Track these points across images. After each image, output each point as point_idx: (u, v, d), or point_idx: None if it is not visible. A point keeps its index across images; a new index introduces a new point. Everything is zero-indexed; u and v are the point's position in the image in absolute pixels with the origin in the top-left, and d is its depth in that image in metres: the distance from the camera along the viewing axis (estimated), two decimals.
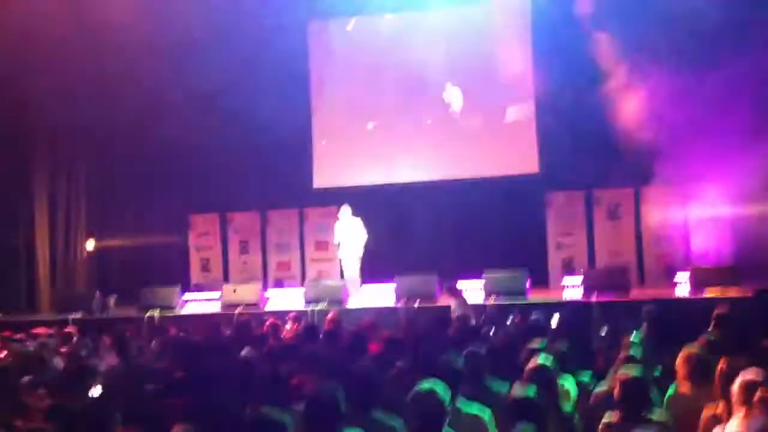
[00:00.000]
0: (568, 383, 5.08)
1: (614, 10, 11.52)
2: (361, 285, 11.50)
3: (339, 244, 11.79)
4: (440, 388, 3.82)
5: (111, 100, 12.99)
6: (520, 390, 3.73)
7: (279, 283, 13.37)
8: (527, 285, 10.53)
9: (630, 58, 11.54)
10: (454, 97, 13.10)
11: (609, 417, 3.95)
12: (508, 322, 7.43)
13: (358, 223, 11.66)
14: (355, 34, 13.44)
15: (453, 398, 4.03)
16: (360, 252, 11.66)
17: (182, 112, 12.83)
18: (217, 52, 12.62)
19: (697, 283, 9.95)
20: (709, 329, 6.64)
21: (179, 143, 13.31)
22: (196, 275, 13.90)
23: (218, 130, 12.97)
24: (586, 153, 11.75)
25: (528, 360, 4.72)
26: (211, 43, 12.60)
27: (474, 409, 4.28)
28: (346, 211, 11.70)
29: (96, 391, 4.60)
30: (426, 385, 3.86)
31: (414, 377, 5.10)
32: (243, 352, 6.24)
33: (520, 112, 12.84)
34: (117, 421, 4.18)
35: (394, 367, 5.46)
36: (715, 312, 6.98)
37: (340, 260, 11.93)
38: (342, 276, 12.03)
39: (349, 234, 11.67)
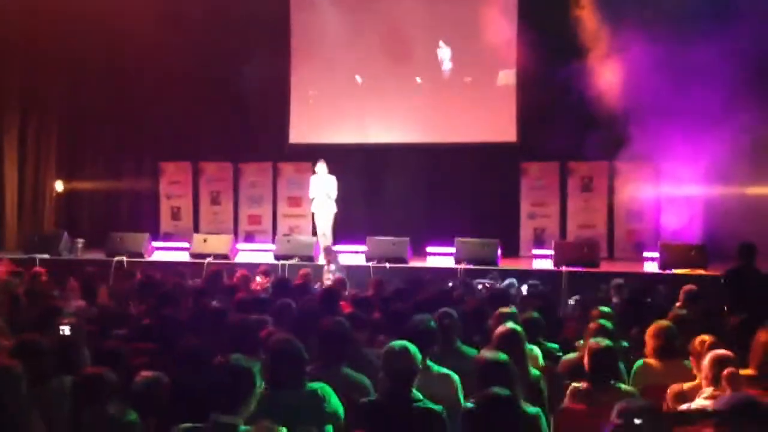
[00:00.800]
0: (535, 350, 5.14)
1: None
2: (332, 242, 11.44)
3: (313, 199, 11.67)
4: (412, 348, 3.82)
5: (85, 42, 12.74)
6: (490, 354, 3.75)
7: (250, 237, 13.30)
8: (498, 253, 10.58)
9: (610, 32, 11.53)
10: (445, 56, 12.93)
11: (578, 384, 3.99)
12: (479, 287, 7.46)
13: (332, 180, 11.56)
14: None
15: (423, 359, 4.03)
16: (333, 209, 11.57)
17: (158, 58, 12.64)
18: (196, 3, 12.37)
19: (665, 260, 10.07)
20: (677, 305, 6.77)
21: (154, 89, 13.14)
22: (165, 223, 13.77)
23: (195, 78, 12.78)
24: (563, 125, 11.78)
25: (496, 325, 4.74)
26: None
27: (443, 370, 4.30)
28: (321, 166, 11.58)
29: (65, 330, 4.54)
30: (398, 343, 3.86)
31: (384, 336, 5.15)
32: (213, 302, 6.20)
33: (501, 80, 12.75)
34: (86, 360, 4.14)
35: (364, 325, 5.48)
36: (683, 288, 7.10)
37: (313, 215, 11.82)
38: (314, 232, 11.97)
39: (323, 190, 11.54)
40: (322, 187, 11.54)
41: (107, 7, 12.05)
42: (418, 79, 12.95)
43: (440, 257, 11.42)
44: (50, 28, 12.60)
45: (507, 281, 7.71)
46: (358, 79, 13.02)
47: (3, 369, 3.52)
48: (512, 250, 12.09)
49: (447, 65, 12.88)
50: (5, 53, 12.86)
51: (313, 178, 11.72)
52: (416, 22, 12.74)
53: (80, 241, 11.68)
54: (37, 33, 12.66)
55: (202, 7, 12.43)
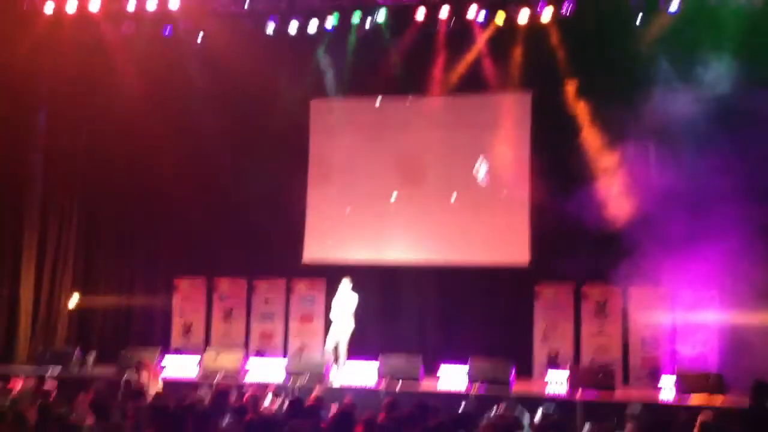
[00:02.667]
0: None
1: (605, 102, 11.77)
2: (345, 360, 11.34)
3: (334, 318, 11.66)
4: None
5: (104, 160, 13.14)
6: None
7: (260, 353, 13.21)
8: (512, 374, 10.44)
9: (623, 157, 11.78)
10: (482, 171, 13.15)
11: None
12: (492, 413, 7.34)
13: (354, 298, 11.59)
14: (356, 114, 13.62)
15: None
16: (351, 326, 11.54)
17: (177, 175, 12.99)
18: (218, 117, 12.85)
19: (682, 388, 9.90)
20: None
21: (171, 206, 13.41)
22: (177, 339, 13.72)
23: (212, 195, 13.07)
24: (577, 247, 11.87)
25: None
26: (212, 107, 12.83)
27: None
28: (346, 284, 11.63)
29: None
30: None
31: None
32: (224, 423, 6.12)
33: (514, 204, 12.94)
34: None
35: None
36: (699, 419, 6.94)
37: (330, 332, 11.74)
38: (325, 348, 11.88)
39: (344, 308, 11.57)
40: (344, 304, 11.57)
41: (128, 124, 12.50)
42: (452, 198, 13.07)
43: (453, 376, 11.25)
44: (68, 144, 13.01)
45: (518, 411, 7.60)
46: (393, 197, 13.19)
47: None
48: (526, 371, 11.93)
49: (483, 178, 13.08)
50: (24, 167, 13.21)
51: (336, 297, 11.76)
52: (430, 146, 13.10)
53: (92, 356, 11.63)
54: (55, 150, 13.07)
55: (220, 126, 12.87)
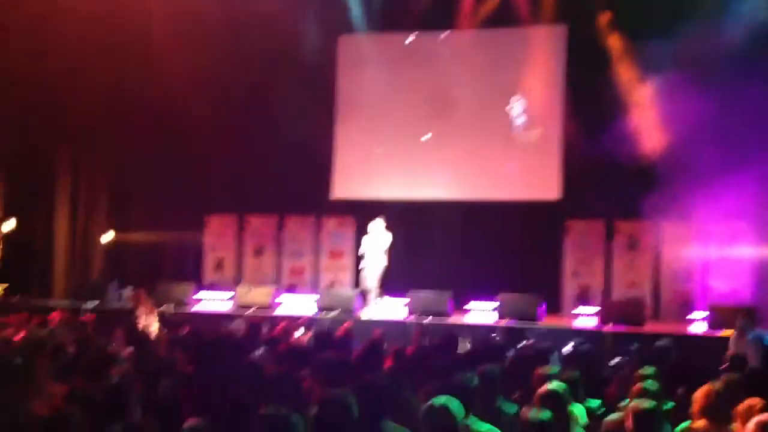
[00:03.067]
0: (577, 410, 5.06)
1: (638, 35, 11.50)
2: (380, 297, 11.44)
3: (363, 255, 11.72)
4: (454, 405, 3.81)
5: (137, 99, 13.14)
6: (534, 413, 3.72)
7: (291, 288, 13.40)
8: (541, 310, 10.48)
9: (656, 88, 11.55)
10: (516, 110, 13.02)
11: None
12: (519, 346, 7.39)
13: (387, 236, 11.65)
14: (385, 50, 13.44)
15: (465, 415, 4.01)
16: (384, 263, 11.63)
17: (207, 114, 12.97)
18: (247, 56, 12.73)
19: (714, 322, 9.87)
20: (723, 368, 6.62)
21: (203, 144, 13.44)
22: (209, 274, 13.95)
23: (241, 133, 13.06)
24: (608, 183, 11.75)
25: (539, 385, 4.70)
26: (241, 46, 12.71)
27: (486, 427, 4.26)
28: (379, 223, 11.67)
29: (116, 379, 4.62)
30: (439, 400, 3.85)
31: (425, 393, 5.12)
32: (257, 353, 6.25)
33: (537, 138, 12.79)
34: (136, 411, 4.20)
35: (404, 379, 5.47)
36: (729, 351, 6.96)
37: (362, 270, 11.83)
38: (358, 285, 12.01)
39: (377, 246, 11.64)
40: (377, 242, 11.64)
41: (160, 63, 12.45)
42: (435, 136, 13.06)
43: (481, 312, 11.34)
44: (102, 83, 13.02)
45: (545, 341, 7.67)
46: (426, 136, 13.10)
47: (63, 416, 3.59)
48: (555, 307, 11.97)
49: (519, 120, 12.95)
50: (59, 108, 13.32)
51: (366, 236, 11.81)
52: (460, 81, 12.92)
53: (127, 290, 11.89)
54: (88, 88, 13.09)
55: (248, 65, 12.76)
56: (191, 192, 14.01)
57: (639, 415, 3.92)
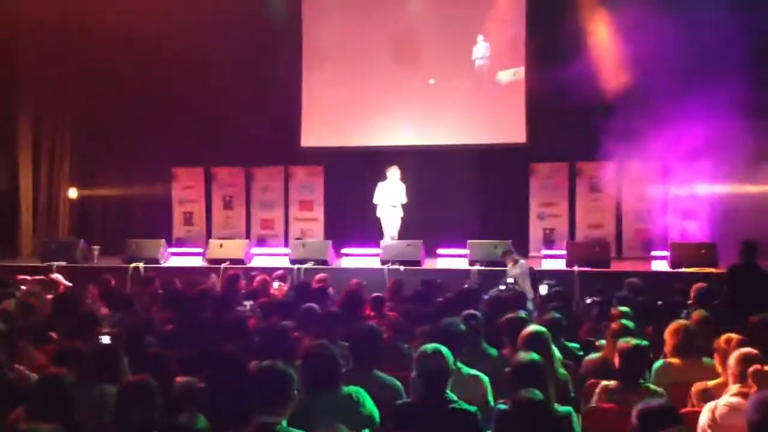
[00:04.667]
0: (556, 351, 5.26)
1: None
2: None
3: (378, 204, 11.67)
4: (445, 350, 3.95)
5: (98, 47, 12.84)
6: (524, 355, 3.88)
7: (262, 241, 13.43)
8: None
9: (617, 30, 11.65)
10: (479, 53, 12.96)
11: (607, 383, 4.12)
12: (496, 290, 7.58)
13: (401, 187, 11.65)
14: None
15: (454, 361, 4.15)
16: (401, 213, 11.65)
17: (170, 64, 12.76)
18: (210, 8, 12.48)
19: (675, 259, 10.18)
20: (689, 303, 6.91)
21: (166, 95, 13.25)
22: (178, 229, 13.90)
23: (205, 83, 12.85)
24: (572, 124, 11.94)
25: (513, 328, 4.87)
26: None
27: (474, 371, 4.43)
28: (394, 172, 11.65)
29: (105, 338, 4.66)
30: (431, 346, 3.98)
31: (414, 339, 5.27)
32: (246, 306, 6.32)
33: (510, 80, 12.87)
34: (126, 368, 4.26)
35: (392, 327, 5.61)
36: (694, 287, 7.23)
37: (380, 219, 11.76)
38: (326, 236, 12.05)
39: (392, 195, 11.62)
40: (392, 193, 11.62)
41: (124, 14, 12.16)
42: (431, 81, 13.06)
43: (452, 259, 11.53)
44: (63, 34, 12.70)
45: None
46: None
47: (55, 377, 3.63)
48: (522, 250, 12.19)
49: (481, 62, 12.93)
50: (19, 57, 12.98)
51: (381, 184, 11.72)
52: (425, 25, 12.87)
53: (96, 248, 11.80)
54: (50, 38, 12.76)
55: (213, 14, 12.52)
56: (157, 145, 13.84)
57: (627, 352, 4.11)
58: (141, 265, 10.92)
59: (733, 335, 4.36)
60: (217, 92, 12.78)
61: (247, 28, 12.86)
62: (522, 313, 5.49)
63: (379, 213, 11.70)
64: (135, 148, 13.99)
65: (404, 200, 11.67)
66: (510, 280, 8.42)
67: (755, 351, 3.96)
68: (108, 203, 14.06)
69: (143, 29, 12.29)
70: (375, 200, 11.68)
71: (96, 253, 11.80)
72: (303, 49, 13.42)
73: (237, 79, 12.75)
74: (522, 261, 9.65)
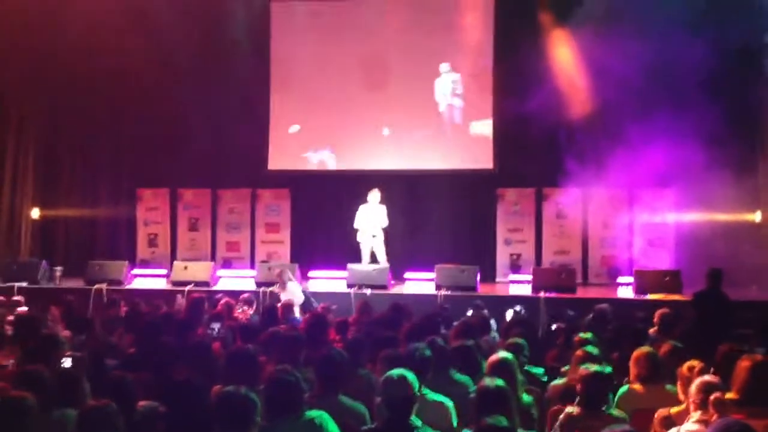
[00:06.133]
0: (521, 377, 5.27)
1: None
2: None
3: (359, 230, 11.59)
4: (410, 376, 3.93)
5: (64, 66, 12.73)
6: (490, 381, 3.87)
7: (227, 264, 13.30)
8: (477, 279, 10.74)
9: (583, 59, 11.82)
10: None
11: (571, 410, 4.12)
12: (464, 317, 7.59)
13: (384, 209, 11.59)
14: (318, 16, 13.33)
15: (419, 386, 4.13)
16: (382, 236, 11.56)
17: (137, 84, 12.69)
18: (177, 25, 12.43)
19: (640, 286, 10.30)
20: (653, 330, 6.97)
21: (131, 115, 13.17)
22: (142, 250, 13.71)
23: (174, 104, 12.79)
24: (539, 150, 12.08)
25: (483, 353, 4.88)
26: (171, 16, 12.40)
27: (438, 397, 4.41)
28: (374, 196, 11.60)
29: (67, 361, 4.57)
30: (397, 371, 3.96)
31: (379, 364, 5.23)
32: (214, 328, 6.24)
33: (478, 110, 12.98)
34: (87, 392, 4.17)
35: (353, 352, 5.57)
36: (657, 313, 7.32)
37: (359, 244, 11.66)
38: (292, 259, 11.99)
39: (372, 219, 11.54)
40: (373, 217, 11.54)
41: (88, 32, 12.06)
42: (386, 131, 13.10)
43: (419, 283, 11.53)
44: (29, 51, 12.56)
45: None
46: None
47: (16, 400, 3.55)
48: (489, 275, 12.27)
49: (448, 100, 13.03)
50: None
51: (362, 207, 11.64)
52: (395, 50, 12.96)
53: (59, 269, 11.60)
54: (12, 59, 12.61)
55: (182, 32, 12.46)
56: (122, 165, 13.71)
57: (588, 379, 4.12)
58: (104, 286, 10.76)
59: (696, 362, 4.40)
60: (184, 113, 12.73)
61: (214, 49, 12.84)
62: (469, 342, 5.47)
63: (359, 238, 11.63)
64: (99, 168, 13.84)
65: (385, 223, 11.59)
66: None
67: (716, 379, 4.00)
68: (71, 224, 13.81)
69: (108, 49, 12.23)
70: (356, 225, 11.61)
71: (58, 274, 11.59)
72: (271, 71, 13.40)
73: (204, 101, 12.69)
74: (291, 283, 9.83)
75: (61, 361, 4.63)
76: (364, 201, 12.03)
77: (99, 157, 13.74)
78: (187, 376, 4.73)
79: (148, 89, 12.66)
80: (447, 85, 12.98)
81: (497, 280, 12.48)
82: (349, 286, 10.72)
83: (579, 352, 4.98)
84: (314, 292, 10.61)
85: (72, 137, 13.58)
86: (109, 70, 12.57)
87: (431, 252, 11.96)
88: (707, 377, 4.00)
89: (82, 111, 13.22)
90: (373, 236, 11.55)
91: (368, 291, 10.39)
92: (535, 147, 12.20)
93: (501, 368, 4.33)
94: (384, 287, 10.68)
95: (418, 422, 3.84)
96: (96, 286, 10.73)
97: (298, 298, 9.51)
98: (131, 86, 12.77)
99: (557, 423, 4.17)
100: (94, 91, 13.03)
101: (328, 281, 11.67)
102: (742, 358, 4.09)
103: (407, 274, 11.93)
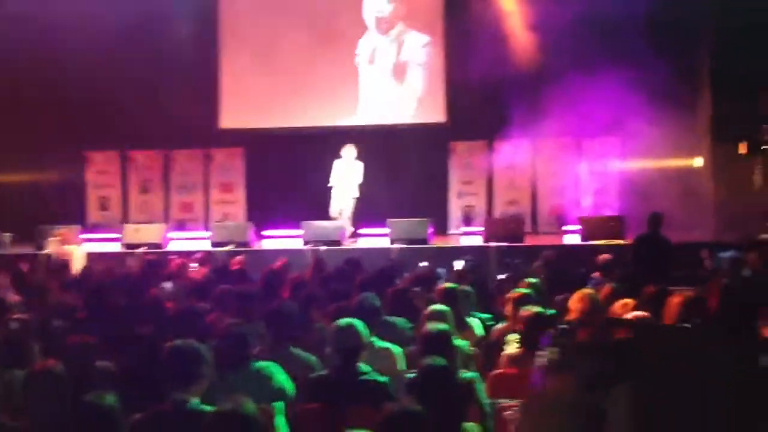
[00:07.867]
0: (473, 323, 5.46)
1: None
2: (354, 227, 11.36)
3: (333, 186, 11.45)
4: (359, 324, 4.05)
5: (4, 26, 12.35)
6: (431, 325, 4.01)
7: (181, 225, 13.22)
8: (430, 232, 10.89)
9: (535, 8, 11.92)
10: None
11: (511, 350, 4.29)
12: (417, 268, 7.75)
13: (360, 166, 11.47)
14: None
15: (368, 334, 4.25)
16: (355, 194, 11.42)
17: (81, 42, 12.37)
18: None
19: (586, 233, 10.56)
20: (595, 274, 7.23)
21: (78, 76, 12.86)
22: (93, 214, 13.55)
23: (122, 64, 12.55)
24: (489, 102, 12.18)
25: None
26: None
27: (386, 343, 4.55)
28: (349, 151, 11.47)
29: (14, 323, 4.59)
30: (345, 320, 4.07)
31: (330, 314, 5.35)
32: (165, 288, 6.28)
33: (430, 63, 13.01)
34: (36, 354, 4.21)
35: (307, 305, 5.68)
36: (599, 258, 7.60)
37: (331, 200, 11.56)
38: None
39: (347, 175, 11.41)
40: (347, 173, 11.41)
41: None
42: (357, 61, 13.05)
43: (373, 238, 11.65)
44: None
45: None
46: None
47: None
48: (442, 228, 12.43)
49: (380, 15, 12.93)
50: None
51: (336, 163, 11.47)
52: (346, 6, 12.87)
53: (8, 235, 11.43)
54: None
55: None
56: (68, 129, 13.43)
57: (529, 319, 4.30)
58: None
59: (629, 300, 4.60)
60: (132, 74, 12.50)
61: (162, 6, 12.58)
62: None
63: (333, 195, 11.49)
64: (45, 131, 13.50)
65: (360, 180, 11.42)
66: None
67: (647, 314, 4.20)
68: (18, 188, 13.55)
69: (53, 11, 11.92)
70: (331, 182, 11.44)
71: (8, 240, 11.42)
72: (219, 28, 13.22)
73: (152, 60, 12.48)
74: None
75: (9, 323, 4.63)
76: (318, 158, 12.04)
77: (44, 119, 13.41)
78: (138, 334, 4.79)
79: (94, 50, 12.36)
80: (399, 42, 12.96)
81: (450, 232, 12.66)
82: (305, 243, 10.78)
83: (514, 294, 5.13)
84: (268, 249, 10.66)
85: (14, 100, 13.21)
86: (52, 31, 12.24)
87: (386, 206, 12.04)
88: (640, 313, 4.20)
89: (23, 72, 12.86)
90: (354, 198, 11.40)
91: (323, 247, 10.46)
92: (485, 100, 12.29)
93: (437, 317, 4.46)
94: (338, 243, 10.77)
95: (367, 368, 3.97)
96: (46, 251, 10.61)
97: None
98: (75, 47, 12.43)
99: (500, 363, 4.34)
100: (36, 53, 12.67)
101: (284, 240, 11.70)
102: (673, 295, 4.29)
103: (361, 229, 12.02)
